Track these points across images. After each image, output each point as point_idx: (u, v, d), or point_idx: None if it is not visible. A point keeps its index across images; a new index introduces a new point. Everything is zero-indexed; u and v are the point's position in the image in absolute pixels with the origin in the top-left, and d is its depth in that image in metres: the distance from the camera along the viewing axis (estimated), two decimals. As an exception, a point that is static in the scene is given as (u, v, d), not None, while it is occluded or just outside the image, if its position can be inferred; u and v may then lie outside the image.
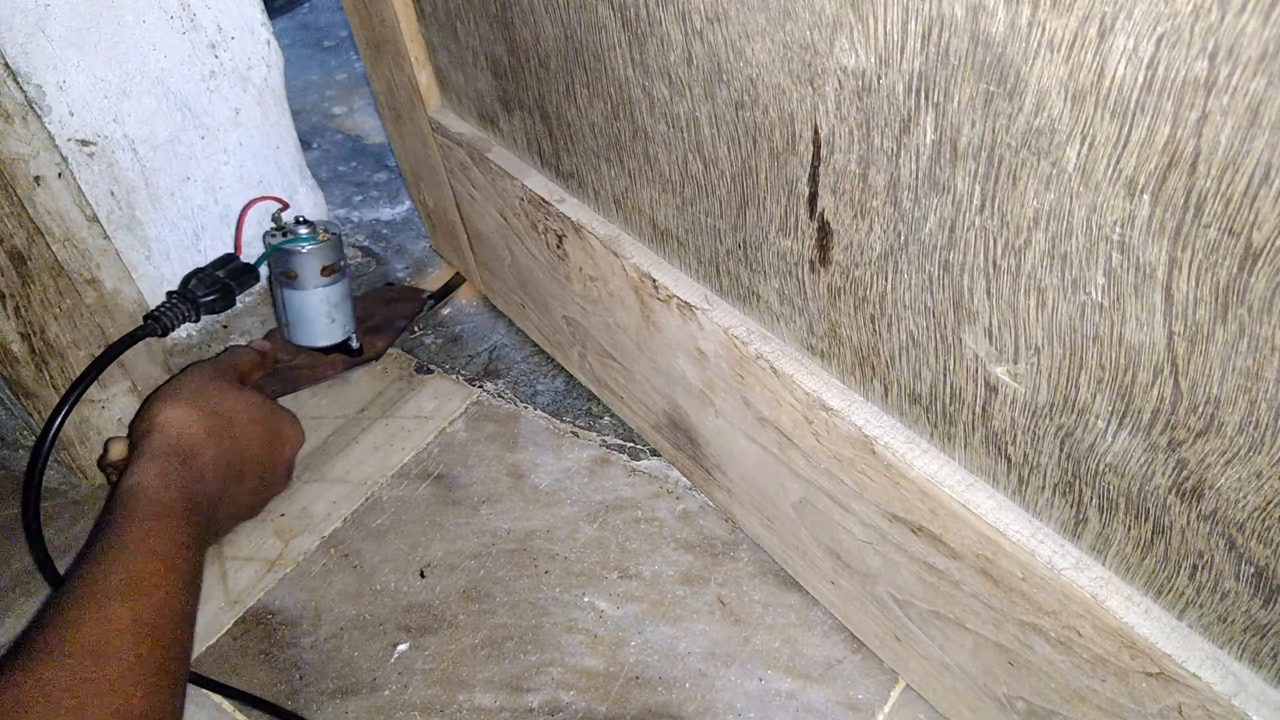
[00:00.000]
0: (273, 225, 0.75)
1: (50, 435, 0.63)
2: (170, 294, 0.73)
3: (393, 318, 0.87)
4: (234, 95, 0.83)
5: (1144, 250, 0.30)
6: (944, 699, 0.54)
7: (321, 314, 0.76)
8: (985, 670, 0.48)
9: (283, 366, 0.79)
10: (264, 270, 0.77)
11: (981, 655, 0.48)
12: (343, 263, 0.76)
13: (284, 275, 0.74)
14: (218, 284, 0.74)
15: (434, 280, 0.93)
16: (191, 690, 0.63)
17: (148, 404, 0.63)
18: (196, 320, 0.74)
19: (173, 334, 0.86)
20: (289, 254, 0.73)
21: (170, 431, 0.60)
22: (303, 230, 0.74)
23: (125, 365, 0.77)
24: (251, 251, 0.76)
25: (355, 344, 0.81)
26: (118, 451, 0.63)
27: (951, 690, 0.53)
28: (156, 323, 0.71)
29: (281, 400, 0.78)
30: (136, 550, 0.52)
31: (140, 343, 0.72)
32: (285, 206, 0.77)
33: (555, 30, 0.53)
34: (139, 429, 0.61)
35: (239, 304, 0.79)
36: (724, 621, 0.62)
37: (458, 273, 0.93)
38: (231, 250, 0.77)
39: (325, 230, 0.75)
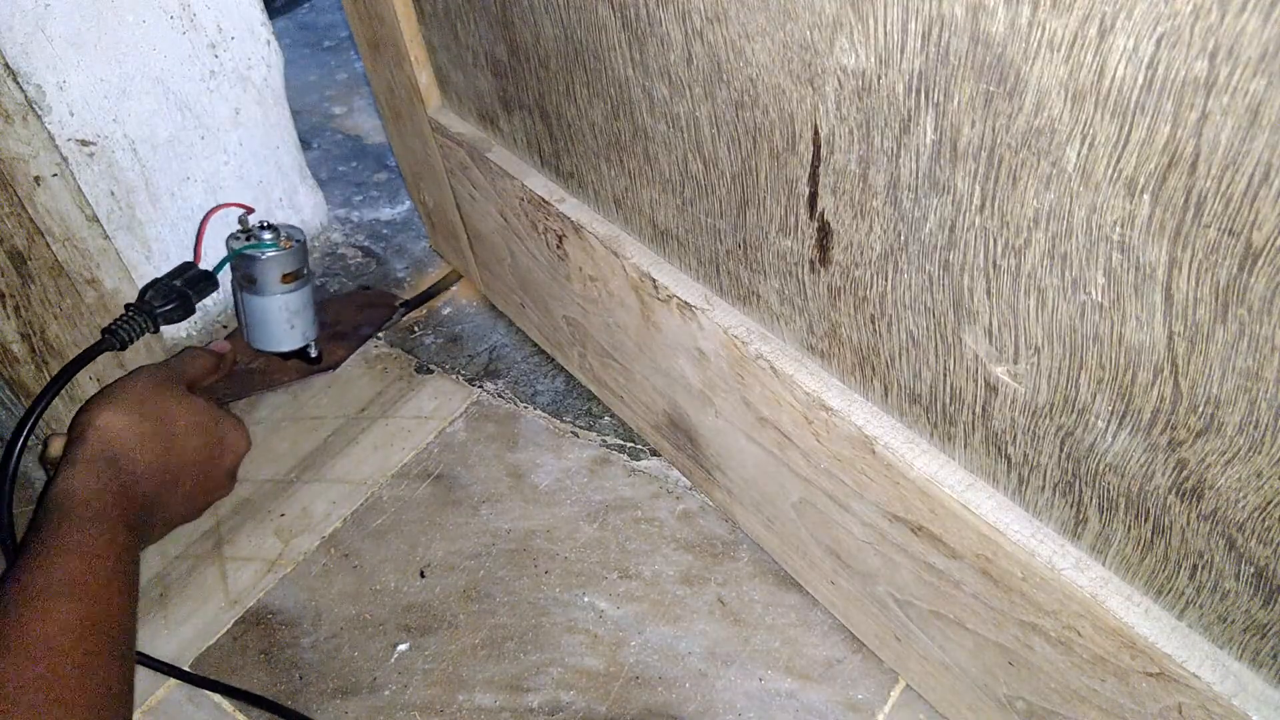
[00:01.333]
0: (238, 228, 0.74)
1: (12, 463, 0.62)
2: (128, 306, 0.72)
3: (360, 324, 0.86)
4: (234, 95, 0.83)
5: (1144, 250, 0.30)
6: (944, 699, 0.54)
7: (281, 320, 0.75)
8: (985, 670, 0.48)
9: (240, 369, 0.79)
10: (225, 275, 0.77)
11: (982, 655, 0.48)
12: (305, 270, 0.75)
13: (244, 280, 0.74)
14: (174, 293, 0.73)
15: (430, 279, 0.93)
16: (191, 690, 0.63)
17: (85, 408, 0.62)
18: (155, 331, 0.73)
19: (171, 334, 0.86)
20: (250, 259, 0.72)
21: (104, 436, 0.59)
22: (266, 235, 0.73)
23: (125, 365, 0.77)
24: (216, 258, 0.76)
25: (314, 352, 0.80)
26: (56, 448, 0.62)
27: (951, 690, 0.53)
28: (114, 336, 0.70)
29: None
30: (75, 551, 0.52)
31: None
32: (250, 211, 0.77)
33: (555, 30, 0.53)
34: (73, 433, 0.60)
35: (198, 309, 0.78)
36: (724, 621, 0.62)
37: (437, 281, 0.93)
38: (190, 259, 0.77)
39: (288, 237, 0.74)
